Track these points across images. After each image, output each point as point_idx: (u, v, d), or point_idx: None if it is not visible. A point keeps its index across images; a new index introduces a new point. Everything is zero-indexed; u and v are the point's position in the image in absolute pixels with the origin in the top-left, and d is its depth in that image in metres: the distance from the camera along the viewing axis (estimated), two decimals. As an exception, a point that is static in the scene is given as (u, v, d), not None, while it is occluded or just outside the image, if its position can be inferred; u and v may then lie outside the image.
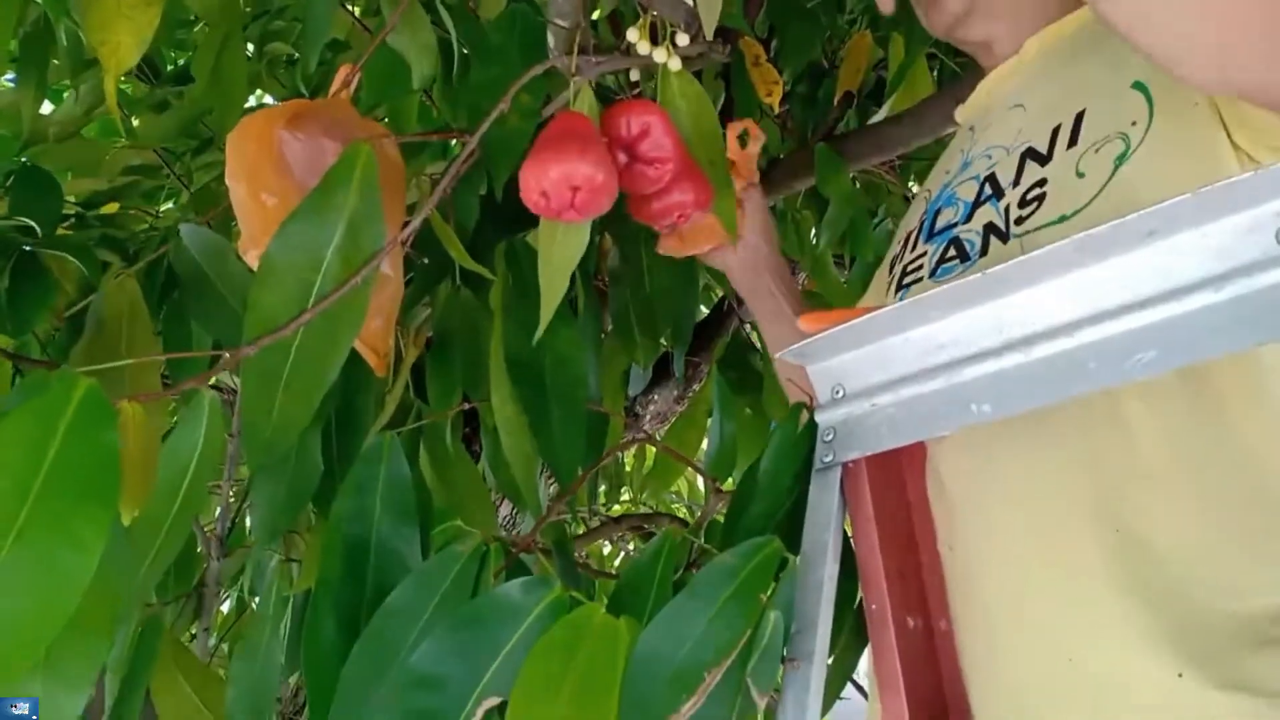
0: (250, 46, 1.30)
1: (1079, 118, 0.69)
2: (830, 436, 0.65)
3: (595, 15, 1.27)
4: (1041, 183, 0.68)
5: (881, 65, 1.47)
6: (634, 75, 0.94)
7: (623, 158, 0.74)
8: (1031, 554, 0.63)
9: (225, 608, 1.69)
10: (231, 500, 1.21)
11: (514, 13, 0.91)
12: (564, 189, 0.69)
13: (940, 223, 0.77)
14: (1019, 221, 0.69)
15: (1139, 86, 0.67)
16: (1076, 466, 0.62)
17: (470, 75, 0.83)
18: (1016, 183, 0.71)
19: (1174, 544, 0.58)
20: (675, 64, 0.75)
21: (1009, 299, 0.58)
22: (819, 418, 0.66)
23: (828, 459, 0.65)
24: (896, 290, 0.80)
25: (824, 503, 0.64)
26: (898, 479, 0.67)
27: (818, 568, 0.61)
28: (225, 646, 1.47)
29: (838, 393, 0.65)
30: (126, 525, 0.55)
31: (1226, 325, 0.51)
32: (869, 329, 0.63)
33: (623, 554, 2.38)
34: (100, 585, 0.48)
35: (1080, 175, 0.66)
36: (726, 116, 1.38)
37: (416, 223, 0.71)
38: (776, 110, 1.29)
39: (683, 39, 0.75)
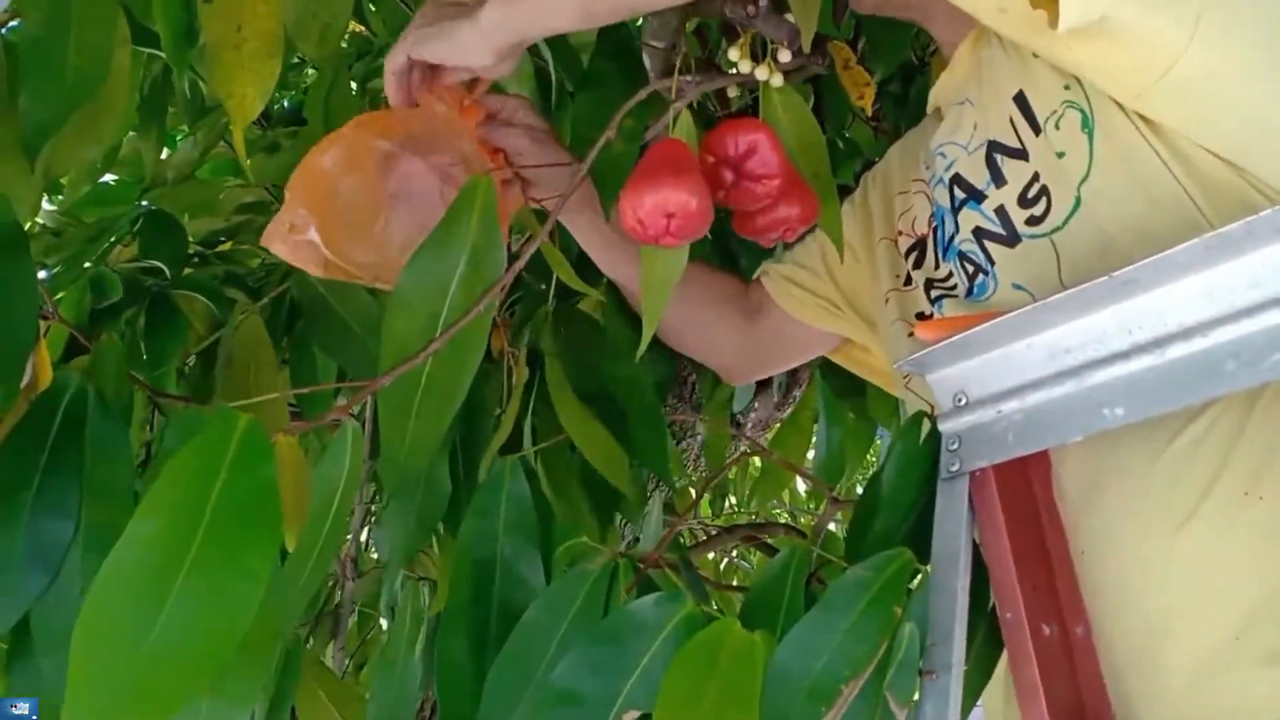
0: (353, 85, 1.35)
1: (1021, 101, 0.71)
2: (955, 445, 0.65)
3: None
4: (1035, 178, 0.70)
5: (973, 60, 1.45)
6: (730, 91, 0.95)
7: (730, 176, 0.75)
8: (1171, 546, 0.63)
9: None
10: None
11: (609, 38, 0.93)
12: (659, 217, 0.71)
13: (946, 235, 0.79)
14: (1033, 221, 0.70)
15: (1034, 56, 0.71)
16: (1202, 444, 0.63)
17: (573, 103, 0.85)
18: (1000, 182, 0.73)
19: None
20: (778, 80, 0.76)
21: (1137, 300, 0.57)
22: (942, 426, 0.66)
23: (954, 468, 0.64)
24: (931, 302, 0.82)
25: (952, 512, 0.63)
26: (1025, 485, 0.67)
27: (950, 578, 0.61)
28: (347, 663, 1.53)
29: (960, 400, 0.65)
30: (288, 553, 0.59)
31: (1374, 318, 0.50)
32: (991, 336, 0.62)
33: (725, 561, 2.38)
34: (263, 610, 0.51)
35: (1061, 155, 0.69)
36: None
37: (533, 248, 0.74)
38: (869, 112, 1.28)
39: (784, 55, 0.76)
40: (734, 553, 2.19)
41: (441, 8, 0.78)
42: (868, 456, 1.49)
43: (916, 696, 0.58)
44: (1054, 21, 0.57)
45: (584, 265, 1.03)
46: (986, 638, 0.66)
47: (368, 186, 0.82)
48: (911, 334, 0.84)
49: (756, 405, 1.59)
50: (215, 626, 0.49)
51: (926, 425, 0.70)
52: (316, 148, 0.81)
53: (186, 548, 0.49)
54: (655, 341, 1.05)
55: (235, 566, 0.50)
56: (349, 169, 0.81)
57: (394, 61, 0.79)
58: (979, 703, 0.69)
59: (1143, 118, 0.66)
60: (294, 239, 0.78)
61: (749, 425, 1.56)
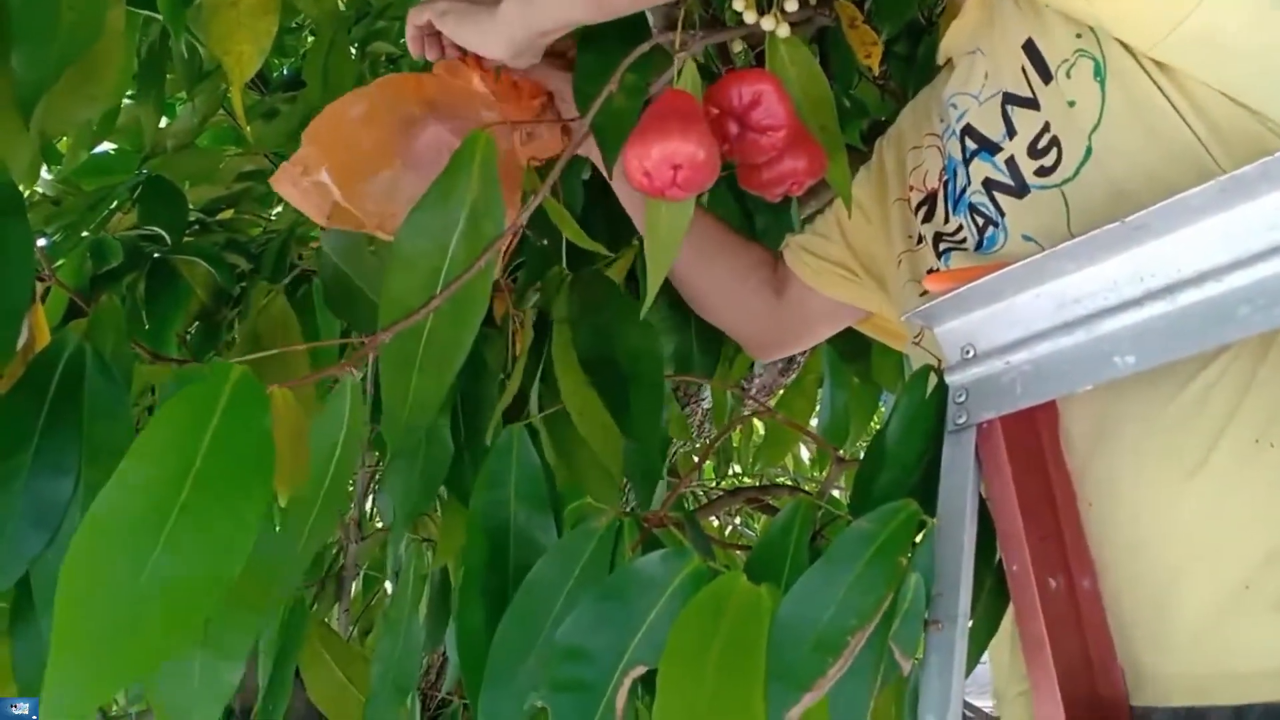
0: (352, 49, 1.34)
1: (1031, 49, 0.70)
2: (962, 398, 0.64)
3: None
4: (1046, 128, 0.69)
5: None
6: (734, 47, 0.94)
7: (735, 127, 0.74)
8: (1180, 494, 0.63)
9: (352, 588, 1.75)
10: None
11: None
12: (666, 168, 0.70)
13: (957, 188, 0.78)
14: (1043, 172, 0.70)
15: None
16: (1213, 391, 0.62)
17: (575, 59, 0.84)
18: (1012, 133, 0.72)
19: None
20: (784, 31, 0.75)
21: (1149, 246, 0.56)
22: (949, 379, 0.65)
23: (961, 420, 0.64)
24: (938, 255, 0.81)
25: (959, 464, 0.63)
26: (1033, 437, 0.66)
27: (957, 530, 0.60)
28: (352, 628, 1.53)
29: (968, 352, 0.64)
30: (284, 508, 0.58)
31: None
32: (999, 286, 0.62)
33: (729, 528, 2.39)
34: (256, 563, 0.50)
35: (1072, 104, 0.68)
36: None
37: (533, 205, 0.73)
38: (876, 72, 1.26)
39: (791, 4, 0.74)
40: (737, 519, 2.19)
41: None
42: (871, 422, 1.48)
43: (922, 651, 0.58)
44: None
45: (601, 227, 1.02)
46: (993, 590, 0.66)
47: (384, 139, 0.81)
48: (924, 293, 0.83)
49: (761, 370, 1.58)
50: (204, 572, 0.48)
51: (933, 380, 0.69)
52: (341, 101, 0.81)
53: (176, 492, 0.49)
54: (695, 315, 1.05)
55: (226, 512, 0.49)
56: (368, 123, 0.81)
57: (418, 18, 0.81)
58: (985, 657, 0.69)
59: (1157, 65, 0.65)
60: (304, 181, 0.78)
61: (753, 390, 1.56)
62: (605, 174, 0.79)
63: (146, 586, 0.46)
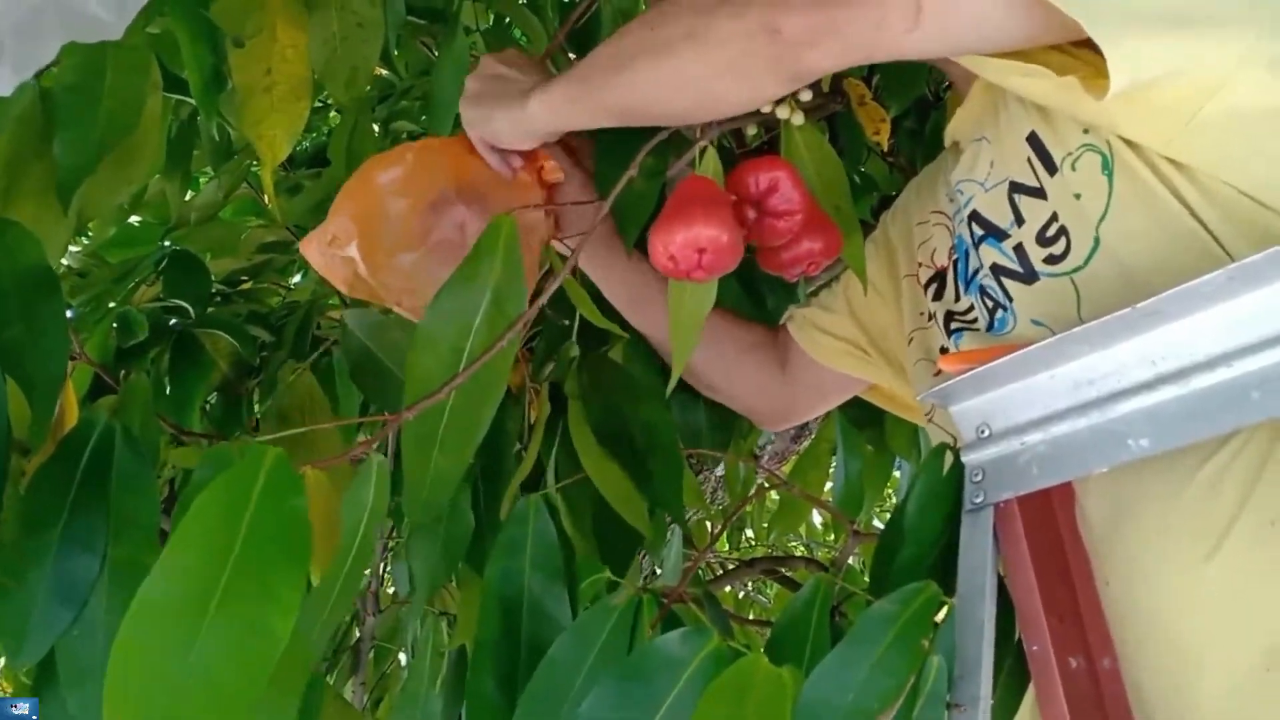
0: (376, 127, 1.37)
1: (1035, 141, 0.71)
2: (979, 477, 0.65)
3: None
4: (1054, 217, 0.70)
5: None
6: (748, 129, 0.96)
7: (752, 213, 0.76)
8: (1198, 576, 0.63)
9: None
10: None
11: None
12: (690, 252, 0.72)
13: (969, 269, 0.79)
14: (1052, 260, 0.71)
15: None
16: (1228, 473, 0.62)
17: (595, 142, 0.86)
18: (1020, 221, 0.73)
19: None
20: (798, 119, 0.77)
21: (1160, 331, 0.57)
22: (966, 458, 0.66)
23: (978, 500, 0.64)
24: (948, 334, 0.82)
25: (977, 544, 0.63)
26: (1050, 517, 0.66)
27: (976, 610, 0.61)
28: (366, 699, 1.52)
29: (983, 432, 0.65)
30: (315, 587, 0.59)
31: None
32: (1014, 368, 0.63)
33: (741, 594, 2.37)
34: (292, 644, 0.51)
35: (1078, 196, 0.69)
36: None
37: (554, 287, 0.75)
38: (885, 147, 1.29)
39: (805, 94, 0.77)
40: (750, 586, 2.18)
41: (490, 80, 0.83)
42: (886, 490, 1.48)
43: (945, 731, 0.58)
44: (1090, 88, 0.58)
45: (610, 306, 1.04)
46: (1013, 670, 0.65)
47: (414, 215, 0.82)
48: (939, 372, 0.84)
49: (773, 438, 1.59)
50: (247, 658, 0.49)
51: (949, 457, 0.70)
52: (376, 161, 0.82)
53: (217, 579, 0.49)
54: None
55: (266, 597, 0.50)
56: (402, 191, 0.82)
57: (472, 133, 0.84)
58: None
59: (1166, 159, 0.66)
60: (331, 252, 0.79)
61: (765, 458, 1.57)
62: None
63: (191, 675, 0.47)
